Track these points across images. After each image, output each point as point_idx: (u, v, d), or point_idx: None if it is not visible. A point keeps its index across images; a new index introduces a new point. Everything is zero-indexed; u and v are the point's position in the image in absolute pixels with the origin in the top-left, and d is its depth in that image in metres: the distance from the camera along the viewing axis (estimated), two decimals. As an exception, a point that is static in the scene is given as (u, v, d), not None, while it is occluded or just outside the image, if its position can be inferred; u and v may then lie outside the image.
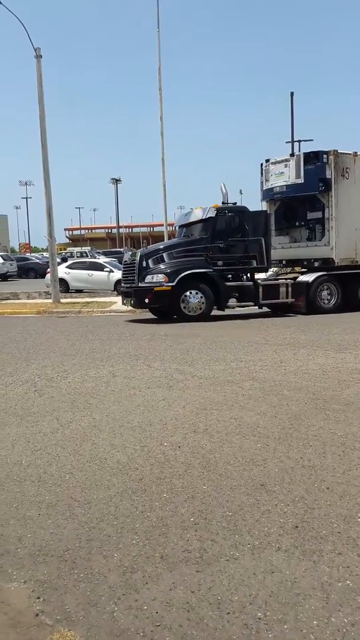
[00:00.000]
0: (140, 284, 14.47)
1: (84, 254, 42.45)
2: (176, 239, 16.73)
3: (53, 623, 2.42)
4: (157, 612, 2.46)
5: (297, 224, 16.54)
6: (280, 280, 15.77)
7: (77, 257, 39.43)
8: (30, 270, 43.02)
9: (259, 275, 16.06)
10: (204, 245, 14.70)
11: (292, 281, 15.51)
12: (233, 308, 14.98)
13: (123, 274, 15.80)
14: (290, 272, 16.59)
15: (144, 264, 14.52)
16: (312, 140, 39.84)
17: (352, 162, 15.22)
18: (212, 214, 14.68)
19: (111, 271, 24.23)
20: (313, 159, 15.11)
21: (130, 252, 16.89)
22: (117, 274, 21.80)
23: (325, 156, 14.92)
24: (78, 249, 50.32)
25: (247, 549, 2.94)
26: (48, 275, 22.30)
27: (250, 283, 14.97)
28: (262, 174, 16.61)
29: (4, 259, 39.74)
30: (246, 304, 15.03)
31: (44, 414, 5.60)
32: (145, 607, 2.49)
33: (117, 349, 9.62)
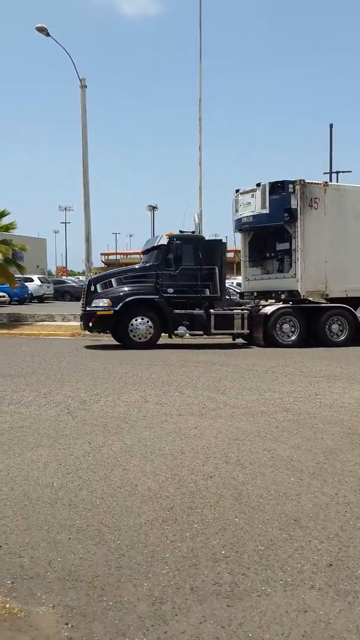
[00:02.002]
0: (87, 308, 14.60)
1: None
2: (129, 266, 16.94)
3: (81, 651, 2.40)
4: (186, 646, 2.41)
5: (267, 255, 16.19)
6: (235, 311, 15.45)
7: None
8: (66, 293, 43.63)
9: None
10: (154, 272, 14.68)
11: (248, 312, 15.22)
12: (182, 336, 14.89)
13: (82, 298, 15.83)
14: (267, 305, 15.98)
15: (92, 288, 14.70)
16: (350, 171, 39.57)
17: (321, 192, 14.82)
18: (164, 241, 14.67)
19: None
20: (279, 188, 14.76)
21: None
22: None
23: (291, 186, 14.53)
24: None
25: (280, 585, 2.87)
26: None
27: (202, 312, 14.73)
28: (233, 204, 16.38)
29: (42, 282, 40.46)
30: (196, 333, 14.90)
31: (76, 437, 5.62)
32: (174, 641, 2.45)
33: (149, 374, 9.63)
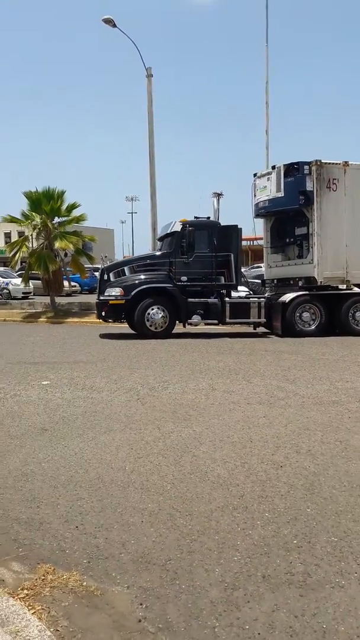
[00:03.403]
0: (100, 297, 14.47)
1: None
2: (143, 253, 16.54)
3: (155, 631, 2.45)
4: (259, 634, 2.41)
5: (287, 240, 15.52)
6: (251, 299, 15.01)
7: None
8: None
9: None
10: (167, 259, 14.37)
11: (265, 300, 14.72)
12: (196, 325, 14.55)
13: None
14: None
15: (105, 277, 14.54)
16: None
17: (341, 173, 13.96)
18: (178, 228, 14.31)
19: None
20: (294, 170, 14.06)
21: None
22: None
23: (306, 167, 13.78)
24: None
25: (354, 577, 2.82)
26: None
27: (216, 300, 14.35)
28: (251, 189, 15.77)
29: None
30: (210, 322, 14.52)
31: (146, 423, 5.72)
32: (247, 627, 2.46)
33: (216, 362, 9.64)
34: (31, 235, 21.83)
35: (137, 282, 14.17)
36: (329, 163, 13.95)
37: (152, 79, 22.03)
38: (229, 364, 9.53)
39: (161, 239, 15.67)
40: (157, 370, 8.97)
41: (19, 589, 2.77)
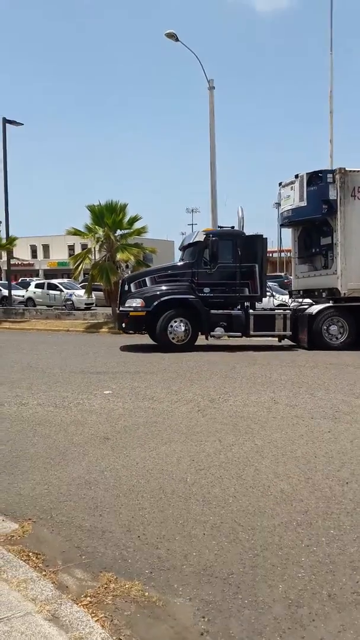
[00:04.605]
0: (121, 308, 14.13)
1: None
2: (165, 263, 16.08)
3: (218, 646, 2.42)
4: (325, 655, 2.34)
5: (314, 250, 14.94)
6: (277, 311, 14.47)
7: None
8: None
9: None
10: (190, 270, 13.95)
11: (290, 312, 14.16)
12: (219, 337, 14.05)
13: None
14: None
15: (126, 287, 14.19)
16: None
17: None
18: (201, 237, 13.91)
19: (272, 295, 24.09)
20: (317, 179, 13.55)
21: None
22: (280, 298, 21.63)
23: (330, 175, 13.25)
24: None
25: None
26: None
27: (240, 312, 13.87)
28: (277, 198, 15.32)
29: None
30: (234, 334, 14.02)
31: (207, 435, 5.70)
32: (312, 647, 2.39)
33: (278, 375, 9.50)
34: (94, 247, 22.34)
35: (158, 293, 13.89)
36: (354, 171, 13.53)
37: (214, 91, 22.19)
38: (291, 376, 9.37)
39: (183, 248, 15.40)
40: (217, 382, 8.93)
41: (82, 596, 2.80)
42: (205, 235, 14.02)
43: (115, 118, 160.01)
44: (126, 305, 14.02)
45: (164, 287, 14.02)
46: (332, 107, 25.83)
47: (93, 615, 2.62)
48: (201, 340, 14.39)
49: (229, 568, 3.05)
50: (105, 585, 2.89)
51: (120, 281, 14.81)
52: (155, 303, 13.62)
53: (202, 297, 13.90)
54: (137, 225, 21.80)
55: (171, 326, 13.59)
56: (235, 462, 4.83)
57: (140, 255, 21.79)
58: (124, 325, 14.29)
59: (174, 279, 14.25)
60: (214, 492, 4.13)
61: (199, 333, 14.10)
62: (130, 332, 14.87)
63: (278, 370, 10.08)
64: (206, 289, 13.95)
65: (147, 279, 14.31)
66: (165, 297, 13.75)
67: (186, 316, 13.72)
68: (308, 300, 15.14)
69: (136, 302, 13.82)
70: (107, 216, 21.12)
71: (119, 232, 21.90)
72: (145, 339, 15.42)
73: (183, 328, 13.64)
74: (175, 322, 13.63)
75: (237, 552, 3.23)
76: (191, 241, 14.49)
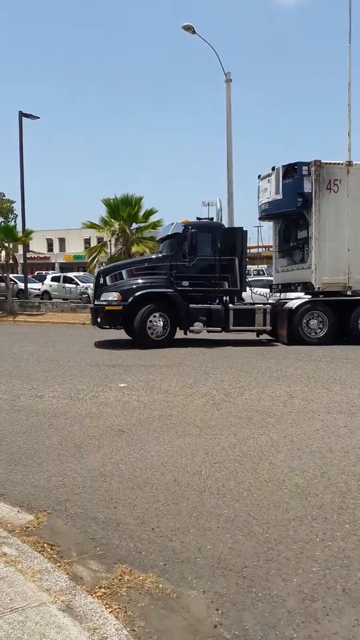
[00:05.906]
0: (95, 302, 13.74)
1: (261, 272, 42.65)
2: (142, 256, 15.58)
3: (231, 637, 2.42)
4: (339, 650, 2.33)
5: (292, 244, 14.74)
6: (256, 305, 14.16)
7: (254, 275, 39.76)
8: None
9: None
10: (168, 263, 13.59)
11: (270, 307, 13.92)
12: (198, 332, 13.69)
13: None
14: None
15: (102, 280, 13.71)
16: None
17: (343, 173, 13.14)
18: (179, 229, 13.53)
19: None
20: (292, 172, 13.35)
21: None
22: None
23: (305, 168, 13.02)
24: (255, 267, 50.73)
25: None
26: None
27: (219, 306, 13.57)
28: (257, 191, 15.10)
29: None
30: (213, 329, 13.68)
31: (222, 428, 5.69)
32: (326, 641, 2.38)
33: (294, 369, 9.46)
34: (109, 240, 22.41)
35: (135, 286, 13.42)
36: (330, 163, 13.35)
37: (231, 84, 22.05)
38: (307, 371, 9.33)
39: (161, 240, 15.04)
40: (232, 375, 8.92)
41: (97, 587, 2.82)
42: (183, 227, 13.64)
43: (132, 113, 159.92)
44: (101, 299, 13.56)
45: (140, 281, 13.62)
46: (351, 99, 25.50)
47: (107, 606, 2.63)
48: (179, 334, 14.16)
49: (243, 561, 3.04)
50: (120, 577, 2.90)
51: (95, 273, 14.41)
52: (133, 297, 13.20)
53: (181, 290, 13.58)
54: (153, 218, 21.87)
55: (150, 321, 13.21)
56: (250, 455, 4.81)
57: (156, 249, 21.81)
58: (99, 320, 13.71)
59: (151, 272, 13.86)
60: (228, 486, 4.12)
61: (177, 328, 13.76)
62: (106, 327, 14.37)
63: (294, 365, 10.04)
64: (185, 283, 13.62)
65: (123, 271, 13.80)
66: (143, 291, 13.33)
67: (164, 310, 13.36)
68: (293, 294, 14.85)
69: (112, 296, 13.36)
70: (123, 209, 21.17)
71: (134, 225, 21.96)
72: (119, 334, 15.27)
73: (162, 323, 13.30)
74: (155, 316, 13.25)
75: (252, 545, 3.22)
76: (169, 233, 14.13)
